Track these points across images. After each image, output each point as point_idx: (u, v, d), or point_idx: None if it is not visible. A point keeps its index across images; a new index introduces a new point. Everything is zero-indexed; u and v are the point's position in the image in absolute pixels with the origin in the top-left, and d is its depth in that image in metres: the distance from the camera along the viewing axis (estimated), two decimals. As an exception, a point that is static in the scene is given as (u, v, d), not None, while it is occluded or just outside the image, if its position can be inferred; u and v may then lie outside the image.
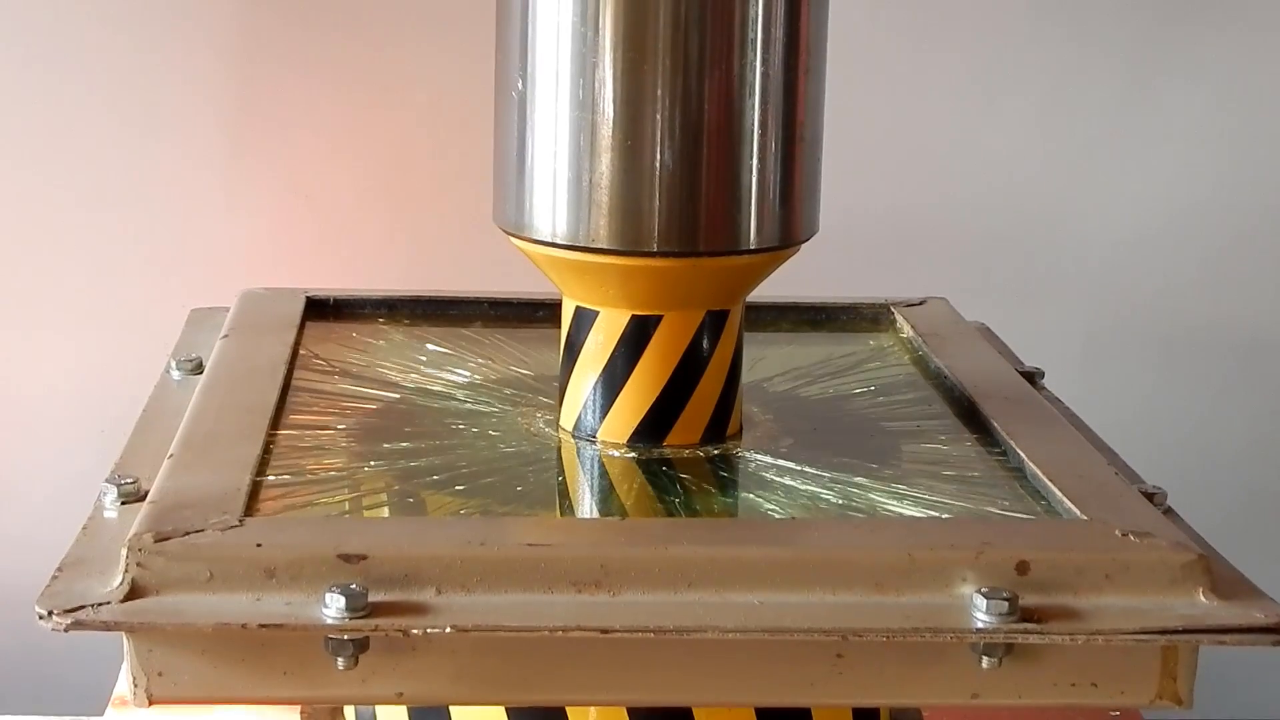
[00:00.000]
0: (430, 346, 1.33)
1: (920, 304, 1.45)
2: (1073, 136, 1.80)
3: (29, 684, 1.78)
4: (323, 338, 1.34)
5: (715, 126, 1.07)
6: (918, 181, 1.79)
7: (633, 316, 1.12)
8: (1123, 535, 0.97)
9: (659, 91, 1.06)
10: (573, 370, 1.15)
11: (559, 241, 1.09)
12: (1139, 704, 0.96)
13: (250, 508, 0.98)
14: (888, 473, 1.11)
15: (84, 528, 0.99)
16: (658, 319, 1.12)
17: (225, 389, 1.17)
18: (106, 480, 1.04)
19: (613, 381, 1.14)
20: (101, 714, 1.37)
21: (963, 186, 1.80)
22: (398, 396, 1.22)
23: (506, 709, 1.06)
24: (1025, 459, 1.10)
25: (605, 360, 1.13)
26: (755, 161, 1.08)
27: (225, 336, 1.29)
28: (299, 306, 1.38)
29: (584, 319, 1.14)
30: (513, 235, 1.12)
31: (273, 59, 1.71)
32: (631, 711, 1.05)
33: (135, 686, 0.91)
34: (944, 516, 1.05)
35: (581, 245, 1.08)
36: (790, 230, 1.11)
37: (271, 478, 1.05)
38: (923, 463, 1.14)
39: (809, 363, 1.34)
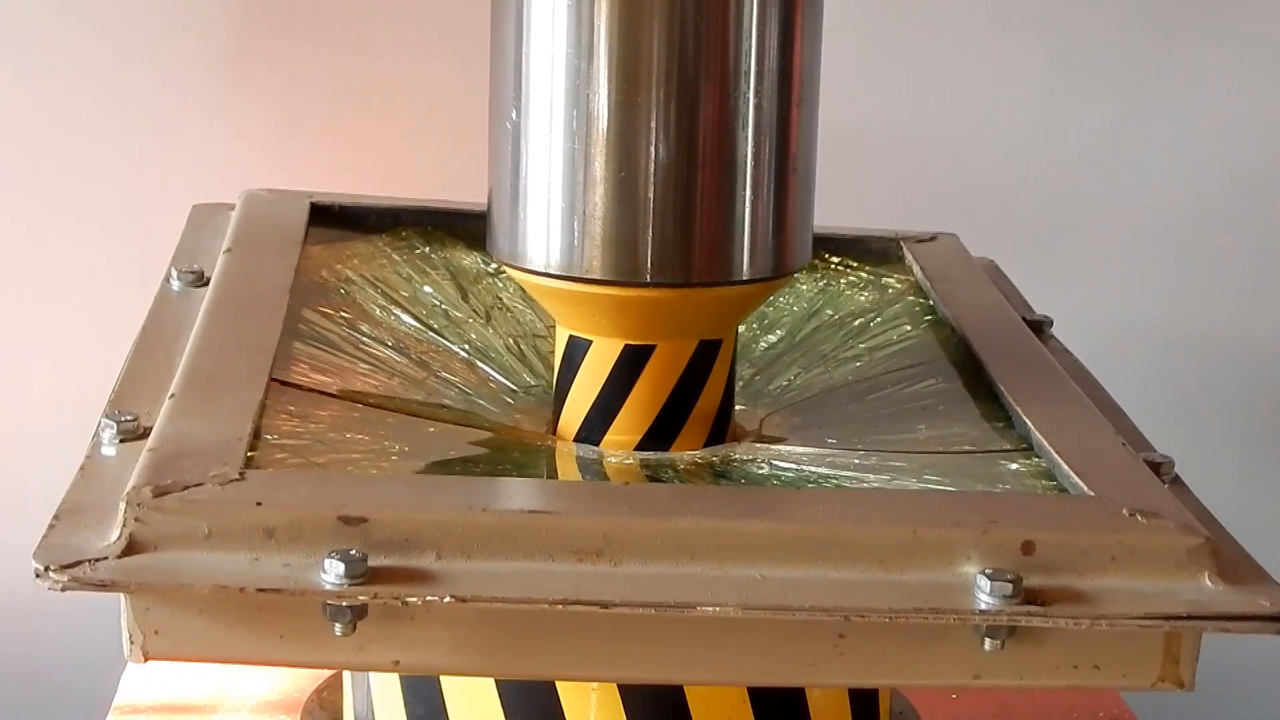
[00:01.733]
0: (428, 291, 1.31)
1: (930, 240, 1.43)
2: (1074, 141, 1.81)
3: (29, 694, 1.78)
4: (327, 260, 1.32)
5: (709, 158, 1.06)
6: (920, 183, 1.80)
7: (626, 346, 1.12)
8: (1130, 515, 0.96)
9: (653, 123, 1.05)
10: (566, 397, 1.15)
11: (552, 271, 1.09)
12: (1141, 686, 0.95)
13: (250, 459, 0.97)
14: (896, 464, 1.10)
15: (81, 468, 0.98)
16: (650, 349, 1.12)
17: (227, 321, 1.15)
18: (105, 415, 1.02)
19: (606, 410, 1.13)
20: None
21: (961, 192, 1.80)
22: (396, 356, 1.21)
23: (499, 695, 1.06)
24: (1032, 429, 1.09)
25: (598, 389, 1.13)
26: (748, 192, 1.08)
27: (228, 250, 1.27)
28: (303, 214, 1.36)
29: (577, 348, 1.13)
30: (507, 265, 1.12)
31: (270, 68, 1.71)
32: (627, 706, 1.05)
33: (131, 643, 0.90)
34: (950, 489, 1.04)
35: (575, 275, 1.08)
36: (783, 260, 1.11)
37: (270, 435, 1.03)
38: (928, 446, 1.13)
39: (813, 329, 1.32)
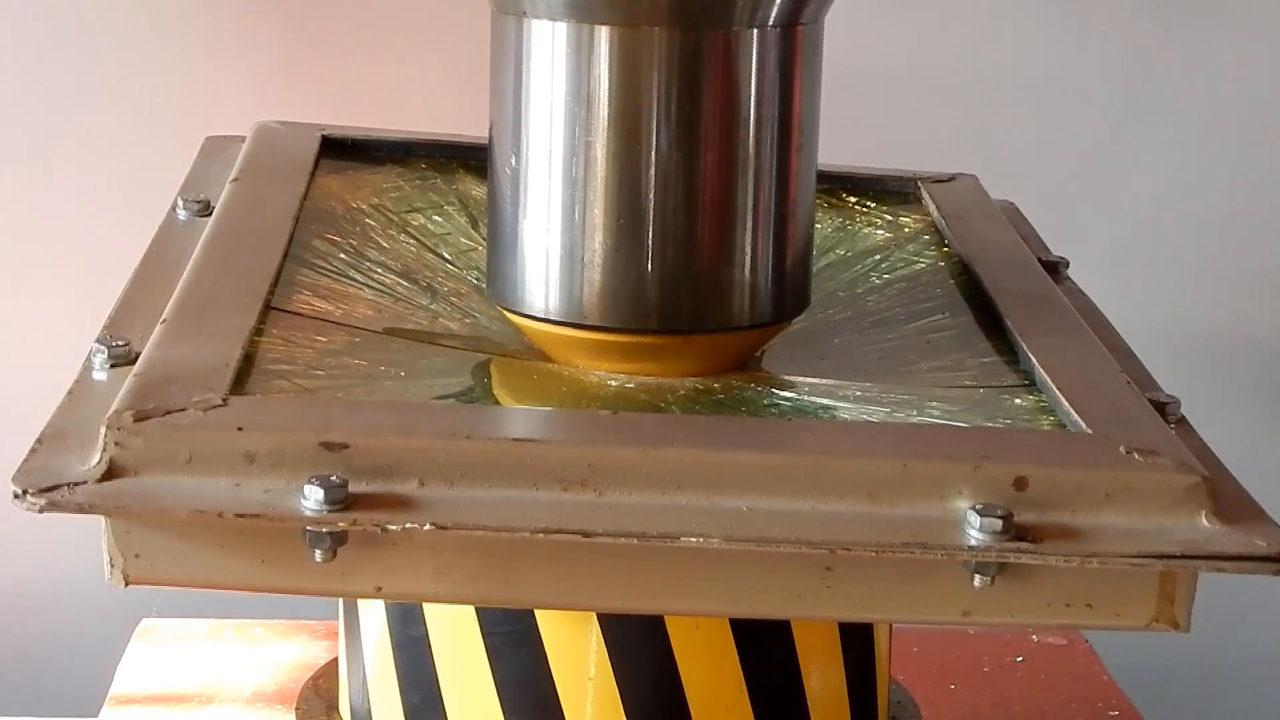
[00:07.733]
0: (438, 220, 1.30)
1: (949, 180, 1.41)
2: (1074, 137, 1.80)
3: (25, 685, 1.77)
4: (337, 190, 1.31)
5: (708, 205, 1.06)
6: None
7: None
8: (1127, 452, 0.94)
9: (652, 171, 1.04)
10: None
11: (552, 317, 1.08)
12: (1135, 626, 0.94)
13: (237, 385, 0.96)
14: (898, 397, 1.09)
15: (70, 392, 0.98)
16: None
17: (227, 247, 1.14)
18: (98, 341, 1.02)
19: None
20: (96, 715, 1.37)
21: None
22: (403, 282, 1.20)
23: (495, 682, 1.06)
24: (1035, 364, 1.07)
25: None
26: (748, 239, 1.07)
27: (235, 180, 1.26)
28: (314, 146, 1.34)
29: None
30: (506, 309, 1.12)
31: (270, 71, 1.71)
32: (622, 694, 1.05)
33: (112, 567, 0.90)
34: (943, 423, 1.03)
35: (574, 322, 1.08)
36: (782, 306, 1.10)
37: (266, 361, 1.02)
38: (932, 380, 1.11)
39: (824, 265, 1.30)
